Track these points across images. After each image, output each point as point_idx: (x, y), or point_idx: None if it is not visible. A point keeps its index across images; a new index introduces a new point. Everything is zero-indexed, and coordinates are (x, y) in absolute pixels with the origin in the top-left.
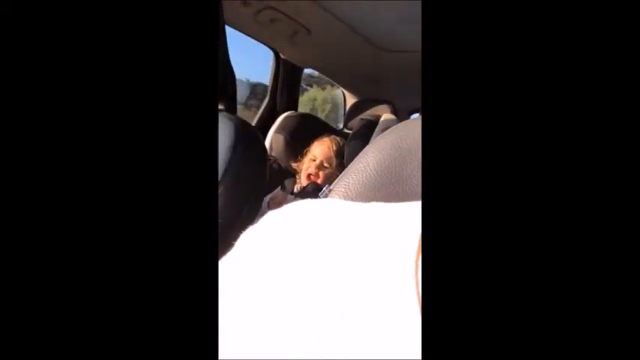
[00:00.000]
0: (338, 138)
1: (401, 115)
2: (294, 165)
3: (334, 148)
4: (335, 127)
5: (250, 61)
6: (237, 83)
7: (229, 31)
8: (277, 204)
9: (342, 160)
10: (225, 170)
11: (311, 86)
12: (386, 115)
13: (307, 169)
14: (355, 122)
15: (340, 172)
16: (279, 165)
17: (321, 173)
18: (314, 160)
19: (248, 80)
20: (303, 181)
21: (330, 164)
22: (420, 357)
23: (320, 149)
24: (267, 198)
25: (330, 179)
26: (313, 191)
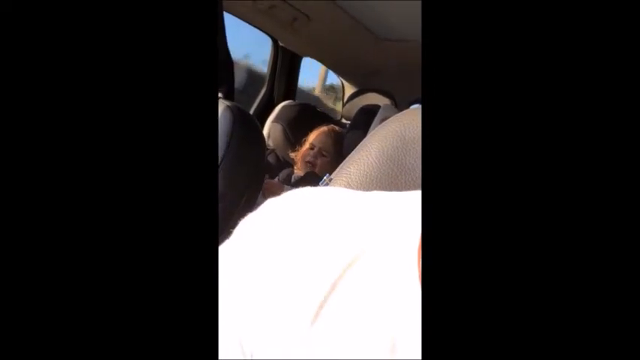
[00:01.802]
0: (337, 127)
1: (401, 105)
2: (292, 155)
3: (332, 136)
4: (333, 116)
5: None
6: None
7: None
8: (272, 193)
9: (340, 149)
10: (223, 158)
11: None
12: (385, 105)
13: (305, 157)
14: (354, 112)
15: (338, 162)
16: (276, 156)
17: (319, 161)
18: (312, 149)
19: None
20: (300, 170)
21: (329, 152)
22: (420, 350)
23: (318, 138)
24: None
25: (327, 168)
26: (311, 180)
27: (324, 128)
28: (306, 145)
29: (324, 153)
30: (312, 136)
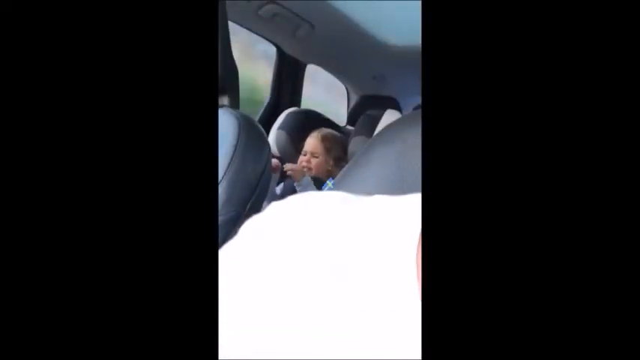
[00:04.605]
0: (326, 129)
1: (405, 110)
2: (288, 167)
3: (320, 136)
4: (338, 123)
5: None
6: None
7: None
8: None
9: (330, 146)
10: (229, 166)
11: None
12: (389, 111)
13: (300, 163)
14: (358, 118)
15: (331, 161)
16: (282, 163)
17: (313, 164)
18: (305, 155)
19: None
20: (298, 177)
21: (319, 152)
22: (419, 352)
23: (307, 142)
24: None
25: (323, 167)
26: (308, 183)
27: (312, 133)
28: (301, 154)
29: (315, 154)
30: (305, 144)
